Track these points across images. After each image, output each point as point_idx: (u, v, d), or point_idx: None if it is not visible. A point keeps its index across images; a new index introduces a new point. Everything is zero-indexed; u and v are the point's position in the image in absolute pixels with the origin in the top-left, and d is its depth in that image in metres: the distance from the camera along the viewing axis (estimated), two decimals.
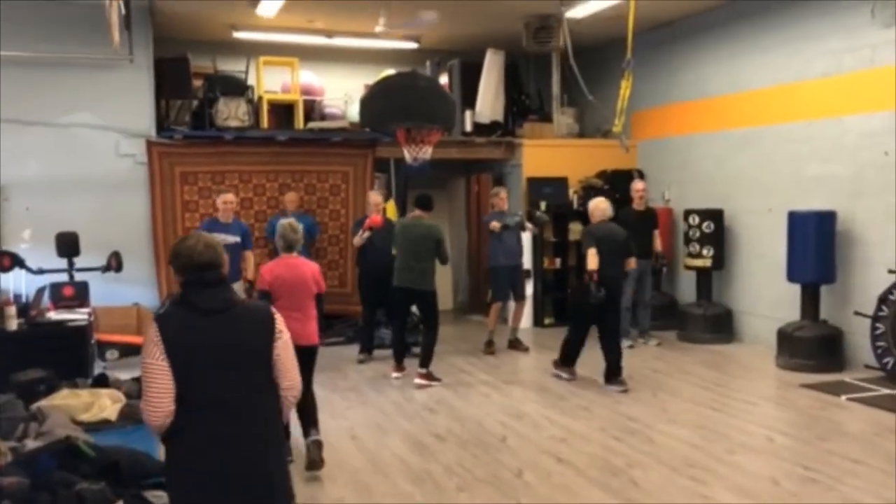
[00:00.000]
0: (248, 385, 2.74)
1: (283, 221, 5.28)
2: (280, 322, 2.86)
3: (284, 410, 2.94)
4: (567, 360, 7.31)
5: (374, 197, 8.49)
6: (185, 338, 2.67)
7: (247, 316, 2.81)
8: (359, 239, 8.23)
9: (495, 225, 8.36)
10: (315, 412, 5.18)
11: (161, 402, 2.60)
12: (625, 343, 8.59)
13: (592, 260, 6.77)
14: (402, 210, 9.98)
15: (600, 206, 7.16)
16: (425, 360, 7.20)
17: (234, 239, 7.55)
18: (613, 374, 6.93)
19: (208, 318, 2.71)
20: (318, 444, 5.02)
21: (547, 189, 10.02)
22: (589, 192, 10.21)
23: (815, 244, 7.42)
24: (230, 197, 7.84)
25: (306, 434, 5.09)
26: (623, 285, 7.36)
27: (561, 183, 10.12)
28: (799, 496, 4.49)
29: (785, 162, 8.22)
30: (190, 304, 2.72)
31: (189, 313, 2.71)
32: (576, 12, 8.47)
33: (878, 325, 6.91)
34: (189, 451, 2.68)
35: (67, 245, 7.88)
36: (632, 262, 7.24)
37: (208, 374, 2.67)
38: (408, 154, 7.97)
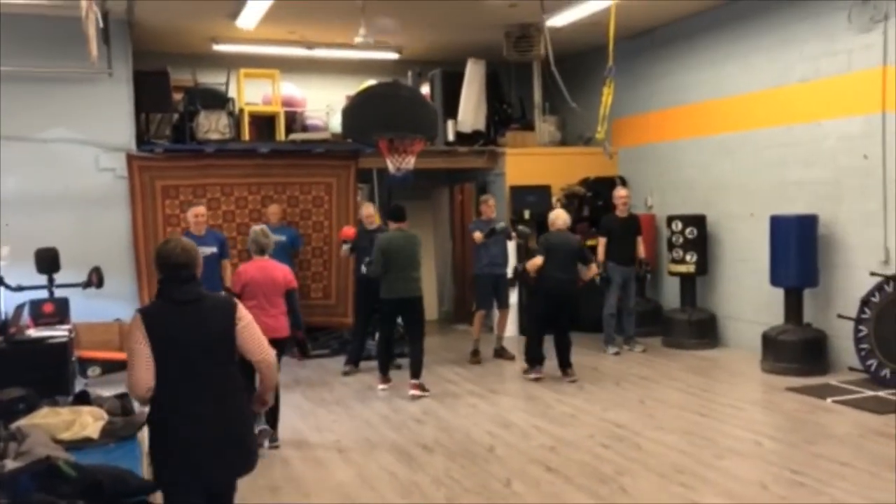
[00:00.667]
0: (215, 362, 3.26)
1: (256, 227, 5.92)
2: (241, 309, 3.36)
3: (264, 383, 3.50)
4: (531, 360, 7.69)
5: (367, 209, 8.41)
6: (164, 325, 3.19)
7: (213, 305, 3.34)
8: (343, 253, 8.28)
9: (478, 236, 8.36)
10: (276, 409, 5.63)
11: (142, 378, 3.13)
12: (610, 350, 8.65)
13: (534, 264, 7.55)
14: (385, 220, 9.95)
15: (561, 217, 7.79)
16: (418, 370, 7.15)
17: (210, 250, 7.57)
18: (564, 365, 7.58)
19: (182, 308, 3.24)
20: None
21: (530, 197, 10.03)
22: (572, 199, 10.26)
23: (798, 248, 7.46)
24: (201, 210, 7.89)
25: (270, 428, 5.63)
26: (574, 287, 7.64)
27: (544, 191, 10.13)
28: (787, 500, 4.49)
29: (766, 167, 8.28)
30: (167, 297, 3.27)
31: (167, 304, 3.26)
32: (556, 21, 8.50)
33: (860, 327, 6.95)
34: (169, 421, 3.20)
35: (47, 261, 7.77)
36: (592, 270, 7.78)
37: (183, 354, 3.19)
38: (391, 164, 7.96)
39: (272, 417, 5.67)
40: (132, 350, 3.14)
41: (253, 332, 3.33)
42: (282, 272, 5.72)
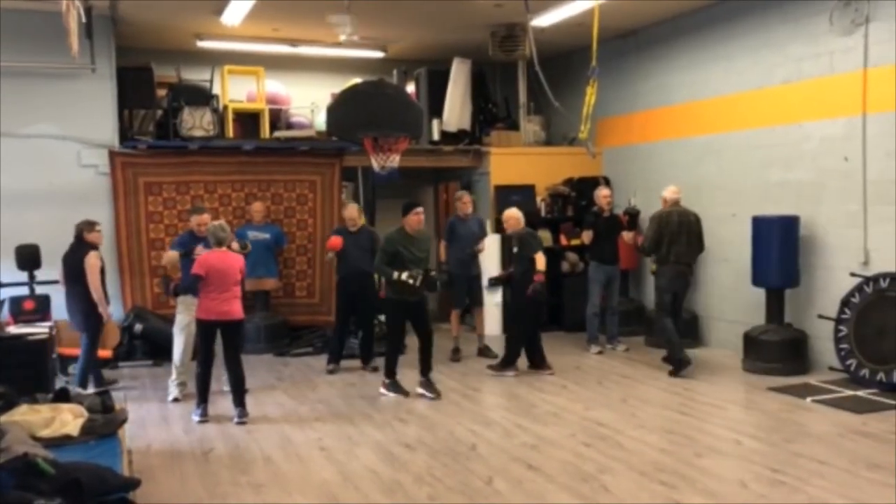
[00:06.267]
0: (76, 281, 6.82)
1: (214, 223, 6.59)
2: (88, 259, 6.87)
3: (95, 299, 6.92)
4: (510, 361, 7.80)
5: (350, 211, 8.24)
6: (65, 260, 6.98)
7: (79, 257, 6.90)
8: (328, 258, 8.32)
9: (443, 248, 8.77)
10: (242, 388, 6.34)
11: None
12: (593, 349, 8.68)
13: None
14: (370, 219, 9.95)
15: (515, 216, 7.91)
16: (428, 368, 7.09)
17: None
18: (539, 362, 7.80)
19: (69, 255, 6.94)
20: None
21: (515, 197, 10.02)
22: (556, 199, 10.28)
23: (779, 249, 7.52)
24: (205, 217, 7.56)
25: (236, 408, 6.34)
26: (527, 283, 7.61)
27: (528, 190, 10.16)
28: (767, 498, 4.53)
29: (748, 168, 8.33)
30: (71, 247, 6.97)
31: (70, 252, 6.97)
32: (541, 21, 8.52)
33: (840, 327, 7.02)
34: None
35: (28, 258, 7.73)
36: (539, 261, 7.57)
37: (65, 275, 7.01)
38: (375, 163, 7.94)
39: (239, 396, 6.33)
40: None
41: (92, 272, 6.81)
42: (236, 261, 6.45)
